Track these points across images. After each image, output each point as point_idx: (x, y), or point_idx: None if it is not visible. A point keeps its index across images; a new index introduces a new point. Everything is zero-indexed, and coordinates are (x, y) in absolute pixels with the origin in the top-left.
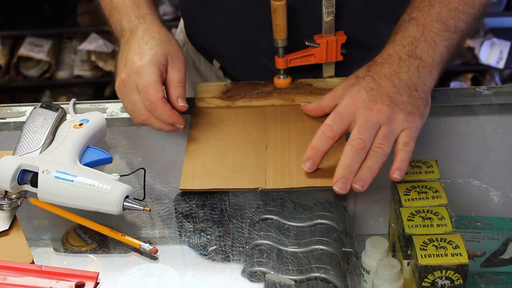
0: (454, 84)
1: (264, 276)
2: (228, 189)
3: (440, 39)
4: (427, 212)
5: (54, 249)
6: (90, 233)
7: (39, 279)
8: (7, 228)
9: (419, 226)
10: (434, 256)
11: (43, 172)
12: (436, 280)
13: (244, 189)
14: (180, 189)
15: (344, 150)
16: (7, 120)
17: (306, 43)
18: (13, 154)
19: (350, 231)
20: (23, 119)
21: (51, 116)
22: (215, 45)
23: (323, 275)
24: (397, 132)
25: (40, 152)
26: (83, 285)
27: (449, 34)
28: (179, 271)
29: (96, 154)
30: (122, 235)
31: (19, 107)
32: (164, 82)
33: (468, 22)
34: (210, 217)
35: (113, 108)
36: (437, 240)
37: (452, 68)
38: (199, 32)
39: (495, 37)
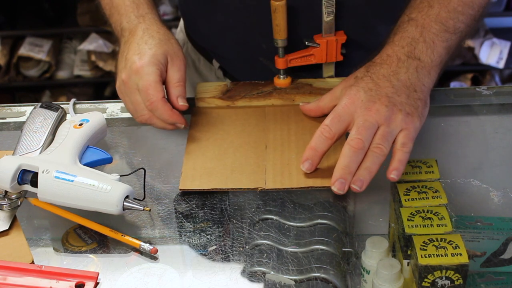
0: (454, 84)
1: (264, 276)
2: (228, 189)
3: (439, 40)
4: (427, 212)
5: (54, 249)
6: (90, 233)
7: (39, 279)
8: (7, 228)
9: (419, 226)
10: (434, 256)
11: (43, 172)
12: (436, 280)
13: (244, 189)
14: (180, 189)
15: (343, 150)
16: (7, 120)
17: (306, 43)
18: (13, 154)
19: (350, 231)
20: (23, 119)
21: (51, 116)
22: (215, 45)
23: (323, 275)
24: (395, 132)
25: (40, 152)
26: (83, 285)
27: (448, 35)
28: (179, 271)
29: (96, 154)
30: (122, 235)
31: (19, 107)
32: (164, 82)
33: (467, 23)
34: (210, 217)
35: (113, 108)
36: (437, 240)
37: (452, 68)
38: (199, 32)
39: (495, 37)
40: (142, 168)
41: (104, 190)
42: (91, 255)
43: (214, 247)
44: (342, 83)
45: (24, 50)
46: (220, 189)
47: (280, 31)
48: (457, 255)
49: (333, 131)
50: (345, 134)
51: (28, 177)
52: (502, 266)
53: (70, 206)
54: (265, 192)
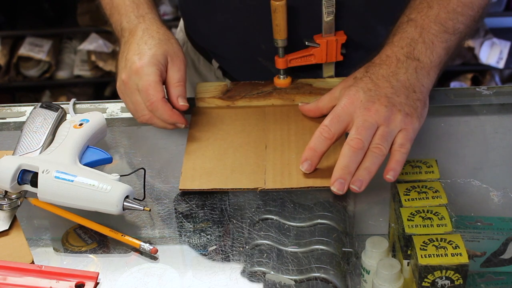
0: (454, 84)
1: (264, 276)
2: (228, 189)
3: (438, 41)
4: (427, 212)
5: (54, 249)
6: (90, 233)
7: (39, 279)
8: (7, 228)
9: (419, 226)
10: (434, 256)
11: (43, 172)
12: (436, 280)
13: (244, 189)
14: (180, 189)
15: (342, 150)
16: (7, 120)
17: (306, 43)
18: (13, 154)
19: (350, 231)
20: (23, 119)
21: (51, 116)
22: (215, 45)
23: (323, 275)
24: (395, 132)
25: (40, 152)
26: (83, 285)
27: (448, 36)
28: (179, 271)
29: (96, 154)
30: (122, 235)
31: (19, 107)
32: (164, 82)
33: (467, 24)
34: (210, 217)
35: (113, 108)
36: (437, 240)
37: (452, 68)
38: (198, 32)
39: (495, 37)
40: (142, 168)
41: (104, 190)
42: (91, 255)
43: (214, 247)
44: (341, 84)
45: (24, 50)
46: (220, 189)
47: (280, 31)
48: (457, 255)
49: (332, 131)
50: (344, 134)
51: (28, 177)
52: (502, 266)
53: (70, 206)
54: (265, 192)
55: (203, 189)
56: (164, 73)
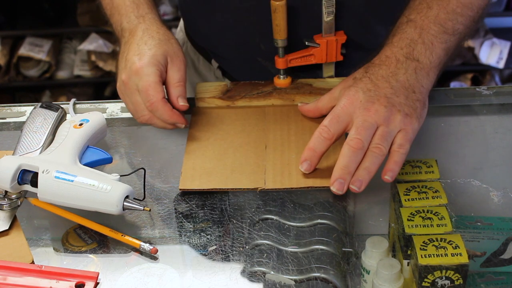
0: (454, 84)
1: (264, 276)
2: (228, 189)
3: (438, 42)
4: (427, 212)
5: (54, 249)
6: (90, 233)
7: (39, 279)
8: (7, 228)
9: (419, 226)
10: (434, 256)
11: (43, 172)
12: (436, 280)
13: (244, 189)
14: (180, 189)
15: (342, 150)
16: (7, 120)
17: (306, 43)
18: (13, 154)
19: (350, 231)
20: (23, 119)
21: (51, 116)
22: (215, 45)
23: (323, 275)
24: (394, 132)
25: (40, 152)
26: (83, 285)
27: (447, 36)
28: (179, 271)
29: (96, 154)
30: (122, 235)
31: (19, 107)
32: (164, 82)
33: (466, 24)
34: (210, 217)
35: (113, 108)
36: (437, 240)
37: (452, 68)
38: (198, 32)
39: (495, 37)
40: (142, 168)
41: (104, 190)
42: (91, 255)
43: (214, 247)
44: (340, 84)
45: (24, 50)
46: (220, 189)
47: (280, 31)
48: (457, 255)
49: (331, 131)
50: (344, 134)
51: (28, 177)
52: (502, 266)
53: (70, 206)
54: (265, 192)
55: (203, 189)
56: (164, 73)
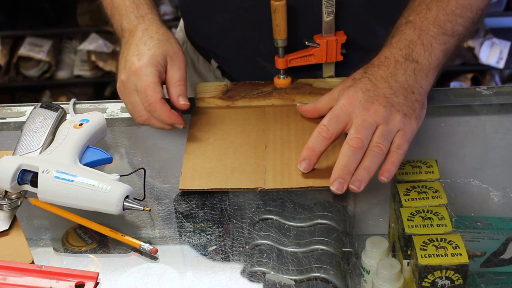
0: (454, 84)
1: (264, 276)
2: (228, 189)
3: (437, 43)
4: (427, 212)
5: (54, 249)
6: (90, 233)
7: (39, 279)
8: (7, 228)
9: (419, 226)
10: (434, 256)
11: (43, 172)
12: (436, 280)
13: (244, 189)
14: (180, 189)
15: (342, 150)
16: (7, 120)
17: (306, 43)
18: (13, 154)
19: (350, 231)
20: (23, 119)
21: (51, 116)
22: (214, 45)
23: (323, 275)
24: (394, 132)
25: (40, 152)
26: (83, 285)
27: (446, 37)
28: (179, 271)
29: (96, 154)
30: (122, 235)
31: (19, 107)
32: (165, 82)
33: (465, 25)
34: (210, 217)
35: (113, 108)
36: (437, 240)
37: (452, 68)
38: (198, 32)
39: (495, 37)
40: (142, 168)
41: (104, 190)
42: (91, 255)
43: (214, 247)
44: (340, 85)
45: (24, 50)
46: (220, 189)
47: (280, 31)
48: (457, 255)
49: (330, 131)
50: (344, 134)
51: (28, 177)
52: (502, 266)
53: (70, 206)
54: (265, 192)
55: (203, 189)
56: (163, 73)
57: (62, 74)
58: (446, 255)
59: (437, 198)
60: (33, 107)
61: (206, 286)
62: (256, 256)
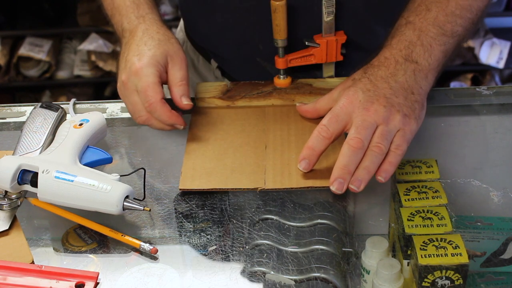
0: (454, 84)
1: (264, 276)
2: (228, 189)
3: (437, 44)
4: (427, 212)
5: (54, 249)
6: (90, 233)
7: (39, 279)
8: (7, 228)
9: (419, 226)
10: (434, 256)
11: (43, 172)
12: (436, 280)
13: (244, 189)
14: (180, 189)
15: (342, 150)
16: (7, 120)
17: (306, 43)
18: (13, 154)
19: (350, 231)
20: (23, 119)
21: (51, 116)
22: (214, 45)
23: (323, 275)
24: (394, 131)
25: (40, 152)
26: (83, 285)
27: (446, 38)
28: (179, 271)
29: (96, 154)
30: (122, 235)
31: (19, 107)
32: (165, 82)
33: (465, 26)
34: (210, 217)
35: (113, 108)
36: (437, 240)
37: (452, 68)
38: (198, 32)
39: (495, 37)
40: (142, 168)
41: (104, 190)
42: (91, 255)
43: (214, 247)
44: (340, 86)
45: (24, 50)
46: (220, 189)
47: (280, 31)
48: (457, 255)
49: (330, 131)
50: (344, 134)
51: (28, 177)
52: (502, 266)
53: (70, 206)
54: (265, 192)
55: (203, 189)
56: (163, 74)
57: (62, 74)
58: (446, 255)
59: (437, 198)
60: (33, 107)
61: (206, 286)
62: (256, 256)
